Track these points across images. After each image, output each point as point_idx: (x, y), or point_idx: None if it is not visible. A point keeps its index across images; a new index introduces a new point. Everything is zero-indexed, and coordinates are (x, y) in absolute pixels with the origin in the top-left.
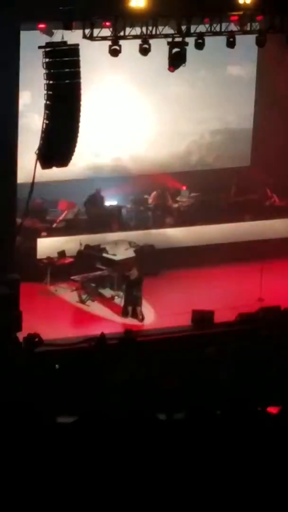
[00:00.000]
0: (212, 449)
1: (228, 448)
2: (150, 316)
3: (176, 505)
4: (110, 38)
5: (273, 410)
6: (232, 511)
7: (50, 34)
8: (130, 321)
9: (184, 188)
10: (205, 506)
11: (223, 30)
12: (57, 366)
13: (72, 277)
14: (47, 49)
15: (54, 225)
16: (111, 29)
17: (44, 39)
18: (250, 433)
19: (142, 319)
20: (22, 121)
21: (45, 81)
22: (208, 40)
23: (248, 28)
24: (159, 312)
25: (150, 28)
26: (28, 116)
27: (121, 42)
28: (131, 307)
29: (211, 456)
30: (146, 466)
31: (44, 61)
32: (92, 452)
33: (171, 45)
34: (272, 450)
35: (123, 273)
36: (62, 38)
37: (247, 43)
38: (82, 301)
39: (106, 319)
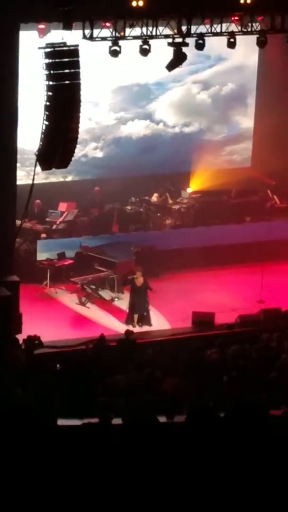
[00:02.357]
0: (214, 452)
1: (230, 451)
2: (153, 318)
3: (177, 510)
4: (110, 38)
5: (275, 413)
6: None
7: (41, 34)
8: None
9: (185, 189)
10: (206, 509)
11: (223, 30)
12: (58, 366)
13: (72, 279)
14: (47, 50)
15: (54, 227)
16: (111, 29)
17: (37, 39)
18: (253, 436)
19: (148, 324)
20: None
21: (45, 82)
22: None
23: (249, 29)
24: (160, 314)
25: (150, 28)
26: (27, 116)
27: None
28: (137, 315)
29: (213, 459)
30: (147, 470)
31: (44, 62)
32: (92, 455)
33: (172, 46)
34: (274, 453)
35: (127, 277)
36: (62, 38)
37: (248, 44)
38: (82, 303)
39: (106, 320)
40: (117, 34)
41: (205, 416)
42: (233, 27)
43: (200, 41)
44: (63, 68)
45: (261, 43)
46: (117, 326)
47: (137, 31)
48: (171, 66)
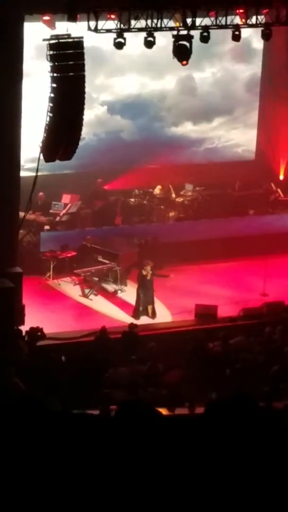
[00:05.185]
0: (216, 445)
1: (231, 445)
2: (156, 311)
3: (178, 505)
4: (115, 30)
5: (277, 405)
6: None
7: (53, 26)
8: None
9: (189, 182)
10: (206, 504)
11: (228, 23)
12: (63, 358)
13: (75, 271)
14: (52, 42)
15: (57, 219)
16: (116, 21)
17: (42, 31)
18: (255, 429)
19: (154, 316)
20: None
21: (49, 74)
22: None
23: (254, 21)
24: (164, 306)
25: (155, 21)
26: (31, 107)
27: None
28: (143, 307)
29: (215, 452)
30: (148, 463)
31: (48, 53)
32: (93, 447)
33: (176, 38)
34: (276, 446)
35: (138, 271)
36: (67, 30)
37: (252, 37)
38: (85, 295)
39: (109, 312)
40: (122, 26)
41: (208, 409)
42: (238, 20)
43: (205, 34)
44: (68, 59)
45: (266, 36)
46: (120, 318)
47: (142, 23)
48: (186, 58)
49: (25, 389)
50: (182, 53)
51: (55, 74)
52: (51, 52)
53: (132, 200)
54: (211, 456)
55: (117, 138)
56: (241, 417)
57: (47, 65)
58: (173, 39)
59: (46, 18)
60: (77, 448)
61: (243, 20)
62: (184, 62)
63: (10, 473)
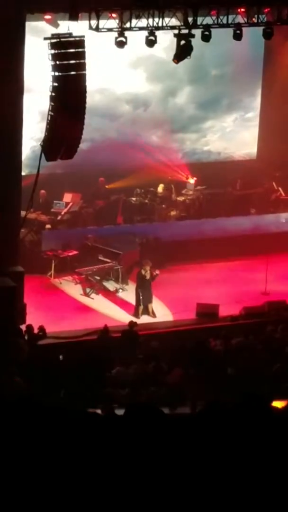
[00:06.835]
0: (217, 443)
1: (233, 443)
2: (157, 310)
3: (182, 504)
4: (116, 29)
5: (278, 404)
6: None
7: (56, 25)
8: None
9: (190, 180)
10: (210, 503)
11: (230, 22)
12: (61, 357)
13: (76, 270)
14: (53, 41)
15: (59, 218)
16: (117, 20)
17: (46, 30)
18: (256, 428)
19: (154, 315)
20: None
21: (50, 73)
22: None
23: (255, 20)
24: (165, 305)
25: (156, 20)
26: (32, 107)
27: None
28: (143, 306)
29: (217, 451)
30: (149, 463)
31: (49, 52)
32: (94, 446)
33: (178, 37)
34: (278, 445)
35: (138, 270)
36: (68, 29)
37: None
38: (87, 294)
39: (111, 311)
40: (123, 25)
41: (209, 408)
42: (240, 19)
43: (206, 33)
44: (69, 59)
45: (267, 35)
46: (121, 317)
47: (143, 22)
48: (178, 57)
49: (26, 388)
50: (185, 52)
51: (56, 73)
52: (53, 51)
53: (134, 199)
54: (214, 455)
55: (115, 139)
56: (250, 416)
57: (49, 65)
58: (176, 39)
59: (48, 17)
60: (80, 447)
61: (245, 19)
62: (175, 61)
63: (12, 472)
